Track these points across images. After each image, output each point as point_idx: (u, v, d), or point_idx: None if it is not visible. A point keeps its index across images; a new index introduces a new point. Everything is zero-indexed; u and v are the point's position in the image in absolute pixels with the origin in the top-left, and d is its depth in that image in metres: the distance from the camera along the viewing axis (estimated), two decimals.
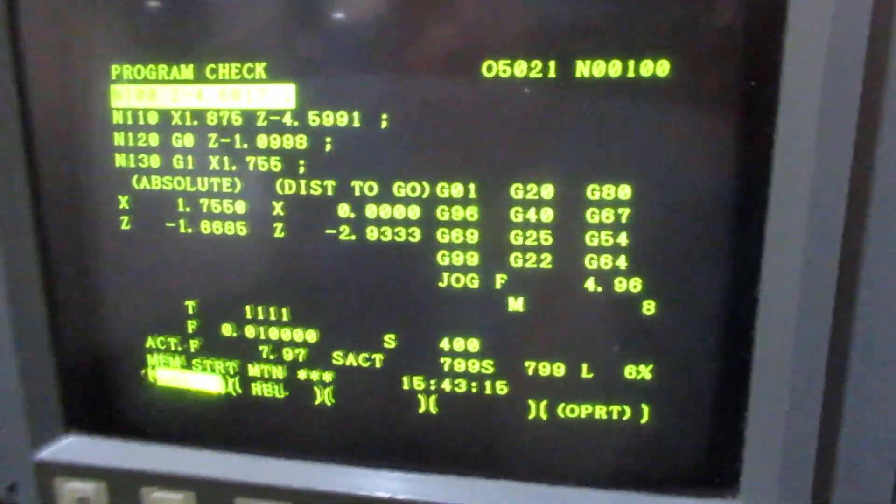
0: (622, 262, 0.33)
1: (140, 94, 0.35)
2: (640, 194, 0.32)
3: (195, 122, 0.35)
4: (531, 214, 0.33)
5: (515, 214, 0.33)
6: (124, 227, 0.37)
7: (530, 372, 0.35)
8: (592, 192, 0.32)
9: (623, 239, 0.32)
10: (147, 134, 0.36)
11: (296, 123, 0.34)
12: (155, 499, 0.38)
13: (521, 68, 0.31)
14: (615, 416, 0.35)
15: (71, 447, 0.40)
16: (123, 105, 0.36)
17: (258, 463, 0.38)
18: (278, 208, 0.35)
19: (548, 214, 0.33)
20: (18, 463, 0.39)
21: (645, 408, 0.34)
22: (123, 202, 0.37)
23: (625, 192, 0.32)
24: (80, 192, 0.38)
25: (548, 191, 0.32)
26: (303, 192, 0.34)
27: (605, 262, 0.33)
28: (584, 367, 0.34)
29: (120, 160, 0.36)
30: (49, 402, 0.40)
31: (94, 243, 0.38)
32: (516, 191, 0.33)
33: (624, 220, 0.32)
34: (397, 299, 0.35)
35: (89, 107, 0.36)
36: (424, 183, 0.33)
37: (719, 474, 0.34)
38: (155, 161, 0.36)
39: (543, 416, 0.35)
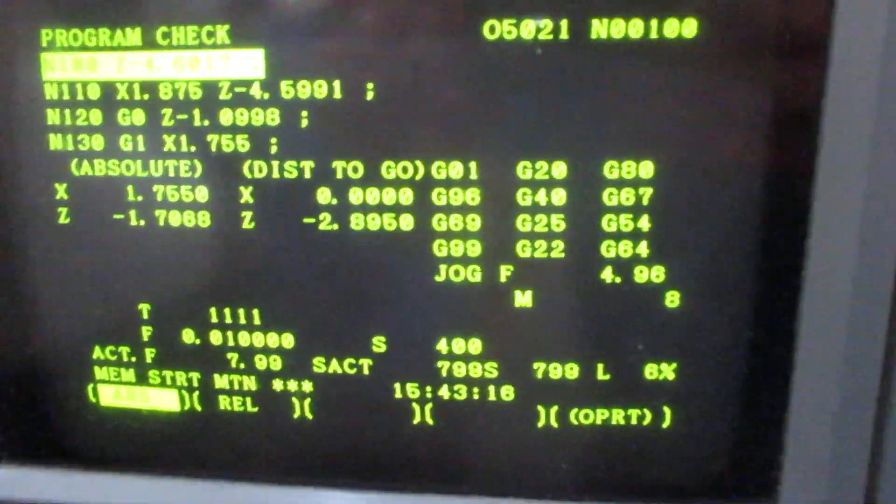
0: (643, 249, 0.31)
1: (77, 63, 0.33)
2: (664, 172, 0.30)
3: (145, 96, 0.32)
4: (540, 197, 0.31)
5: (523, 197, 0.31)
6: (62, 220, 0.35)
7: (539, 374, 0.33)
8: (610, 170, 0.30)
9: (644, 223, 0.31)
10: (87, 110, 0.33)
11: (265, 96, 0.31)
12: None
13: (528, 29, 0.29)
14: (634, 421, 0.33)
15: (3, 480, 0.38)
16: (58, 77, 0.33)
17: (226, 490, 0.36)
18: (246, 195, 0.33)
19: (559, 196, 0.31)
20: None
21: (667, 411, 0.33)
22: (61, 191, 0.34)
23: (647, 169, 0.30)
24: (7, 181, 0.35)
25: (559, 169, 0.31)
26: (275, 175, 0.32)
27: (625, 249, 0.31)
28: (600, 367, 0.33)
29: (55, 142, 0.34)
30: None
31: (26, 240, 0.35)
32: (523, 170, 0.31)
33: (645, 201, 0.30)
34: (387, 296, 0.33)
35: (15, 79, 0.33)
36: (418, 162, 0.31)
37: (753, 483, 0.33)
38: (98, 142, 0.33)
39: (554, 424, 0.34)
